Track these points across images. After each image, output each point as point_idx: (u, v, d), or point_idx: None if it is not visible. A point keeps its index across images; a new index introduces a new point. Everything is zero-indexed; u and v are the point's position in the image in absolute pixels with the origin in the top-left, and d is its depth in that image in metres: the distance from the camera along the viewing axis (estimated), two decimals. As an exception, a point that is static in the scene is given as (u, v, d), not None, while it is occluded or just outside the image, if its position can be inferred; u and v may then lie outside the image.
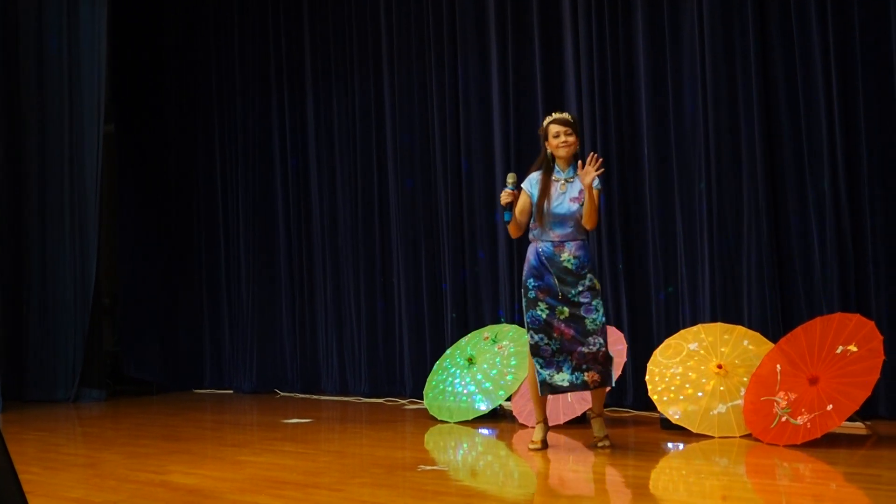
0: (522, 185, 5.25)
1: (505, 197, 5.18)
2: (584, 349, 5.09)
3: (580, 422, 6.09)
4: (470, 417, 6.50)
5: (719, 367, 5.65)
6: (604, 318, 5.15)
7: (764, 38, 6.22)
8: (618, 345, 6.20)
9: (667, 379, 5.78)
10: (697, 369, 5.72)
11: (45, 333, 8.92)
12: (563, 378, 5.13)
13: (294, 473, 4.76)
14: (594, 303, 5.12)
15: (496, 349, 6.80)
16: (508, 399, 6.58)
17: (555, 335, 5.13)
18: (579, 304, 5.12)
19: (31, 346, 8.94)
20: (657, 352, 6.02)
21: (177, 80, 10.04)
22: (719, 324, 5.98)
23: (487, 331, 7.08)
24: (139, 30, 10.05)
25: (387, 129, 8.30)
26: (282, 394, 8.90)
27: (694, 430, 5.51)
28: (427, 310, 7.91)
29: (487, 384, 6.61)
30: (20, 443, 5.93)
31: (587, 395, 5.67)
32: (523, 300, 5.21)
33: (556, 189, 5.19)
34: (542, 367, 5.14)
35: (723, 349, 5.75)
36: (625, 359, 6.14)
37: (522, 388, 6.45)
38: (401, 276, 8.11)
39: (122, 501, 4.19)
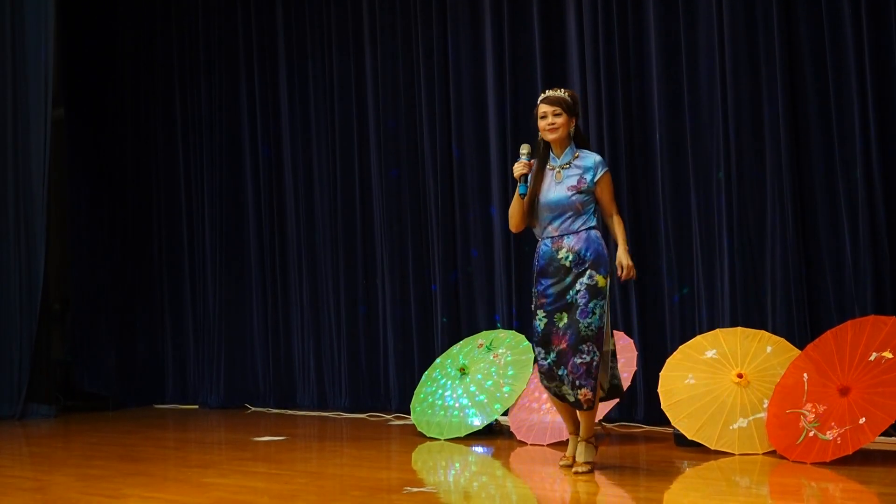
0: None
1: (520, 167, 5.08)
2: (577, 359, 4.94)
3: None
4: (462, 434, 6.50)
5: (740, 376, 5.65)
6: (601, 323, 4.94)
7: (789, 7, 6.22)
8: (627, 353, 6.21)
9: (682, 390, 5.78)
10: (715, 379, 5.72)
11: (-13, 342, 8.89)
12: (564, 392, 5.03)
13: (265, 497, 4.75)
14: (591, 304, 4.94)
15: (491, 358, 6.80)
16: (505, 413, 6.58)
17: (553, 346, 5.01)
18: (575, 306, 4.97)
19: (-29, 358, 8.92)
20: (671, 360, 6.03)
21: (134, 59, 10.02)
22: (740, 329, 5.99)
23: (482, 337, 7.08)
24: (91, 2, 10.02)
25: (369, 114, 8.29)
26: (253, 409, 8.89)
27: (712, 447, 5.52)
28: (415, 314, 7.91)
29: (482, 397, 6.61)
30: (-41, 464, 5.91)
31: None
32: None
33: (550, 178, 5.09)
34: (547, 382, 5.07)
35: (744, 357, 5.76)
36: (635, 368, 6.15)
37: (520, 401, 6.45)
38: (385, 277, 8.10)
39: (73, 528, 4.19)
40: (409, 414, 7.21)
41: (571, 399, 5.01)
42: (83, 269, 10.04)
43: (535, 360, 5.13)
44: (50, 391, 9.09)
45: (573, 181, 5.04)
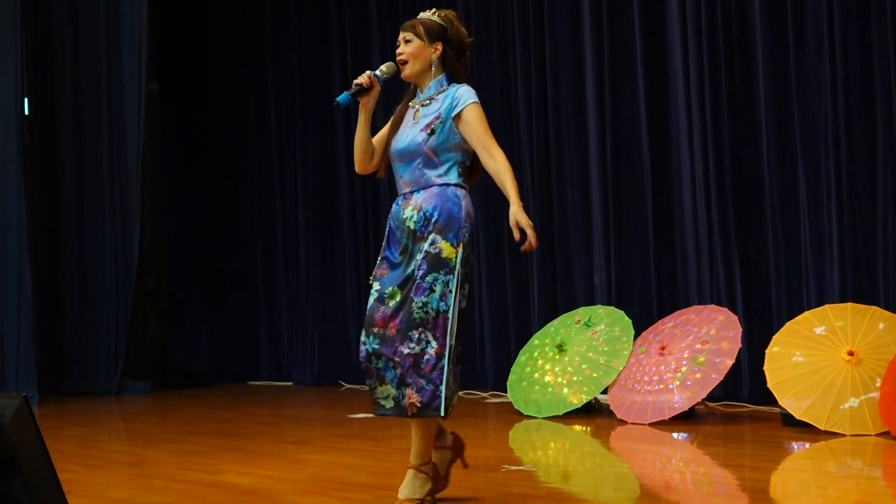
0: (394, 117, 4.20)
1: (362, 77, 4.03)
2: (404, 348, 3.82)
3: (687, 417, 6.06)
4: (560, 412, 6.51)
5: (850, 354, 5.57)
6: (447, 306, 3.83)
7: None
8: (731, 329, 6.16)
9: (789, 368, 5.72)
10: (825, 357, 5.65)
11: (84, 318, 9.12)
12: (386, 393, 3.92)
13: (361, 474, 4.83)
14: (430, 279, 3.83)
15: (590, 334, 6.79)
16: (604, 391, 6.58)
17: (375, 329, 3.92)
18: (412, 281, 3.87)
19: (68, 333, 9.16)
20: (777, 337, 5.96)
21: (226, 33, 10.15)
22: (850, 304, 5.90)
23: (579, 314, 7.07)
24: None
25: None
26: (347, 386, 8.99)
27: (821, 427, 5.45)
28: (510, 291, 7.92)
29: (580, 375, 6.61)
30: (59, 439, 6.09)
31: (675, 392, 5.63)
32: None
33: (408, 119, 4.09)
34: (366, 378, 4.00)
35: (854, 334, 5.67)
36: (739, 345, 6.10)
37: (620, 378, 6.44)
38: (480, 252, 8.12)
39: (172, 503, 4.29)
40: (505, 391, 7.24)
41: (389, 404, 3.90)
42: (177, 244, 10.26)
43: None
44: (145, 367, 9.29)
45: (428, 119, 4.01)
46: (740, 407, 6.55)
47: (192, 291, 10.19)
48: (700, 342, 6.22)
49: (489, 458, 5.31)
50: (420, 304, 3.81)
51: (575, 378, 6.61)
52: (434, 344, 3.80)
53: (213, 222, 10.16)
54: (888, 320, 5.71)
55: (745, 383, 6.59)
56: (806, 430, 5.51)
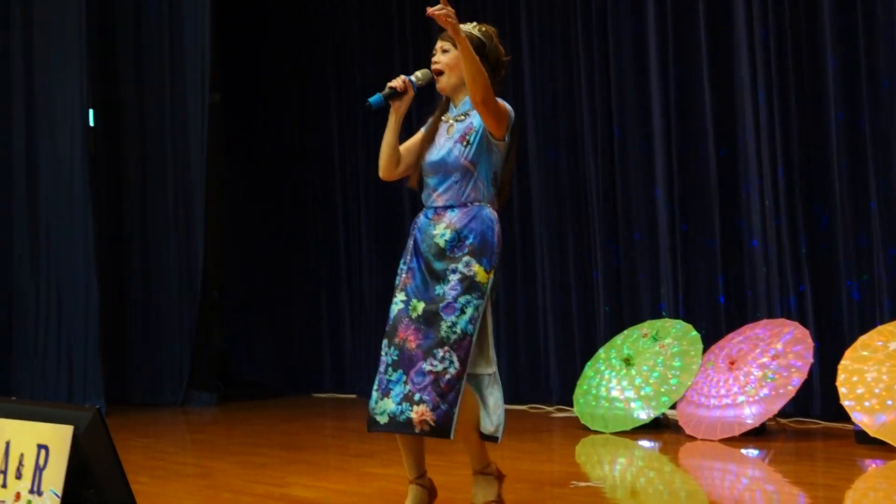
0: (423, 128, 4.26)
1: (396, 81, 4.14)
2: (425, 365, 3.83)
3: (758, 433, 6.02)
4: (628, 427, 6.48)
5: (927, 369, 5.50)
6: (473, 329, 3.85)
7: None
8: (802, 344, 6.11)
9: (862, 384, 5.66)
10: (900, 372, 5.58)
11: (150, 330, 9.23)
12: (384, 408, 3.87)
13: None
14: (462, 300, 3.86)
15: (657, 348, 6.76)
16: (673, 406, 6.54)
17: (396, 340, 3.94)
18: (442, 300, 3.90)
19: (134, 345, 9.28)
20: (850, 352, 5.90)
21: (289, 43, 10.25)
22: (926, 319, 5.83)
23: (647, 327, 7.04)
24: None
25: (525, 94, 8.26)
26: (410, 398, 9.00)
27: (896, 445, 5.39)
28: (576, 303, 7.90)
29: (647, 389, 6.58)
30: (126, 450, 6.11)
31: (745, 407, 5.58)
32: None
33: (442, 132, 4.12)
34: (375, 388, 3.95)
35: (931, 349, 5.60)
36: (811, 360, 6.04)
37: (688, 394, 6.40)
38: (545, 265, 8.11)
39: (240, 516, 4.36)
40: (571, 406, 7.22)
41: (383, 420, 3.85)
42: (240, 256, 10.37)
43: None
44: (210, 379, 9.38)
45: (462, 132, 4.04)
46: (812, 423, 6.48)
47: (256, 303, 10.28)
48: (770, 357, 6.17)
49: (556, 474, 5.31)
50: (450, 324, 3.84)
51: (643, 393, 6.58)
52: (457, 365, 3.81)
53: (277, 234, 10.26)
54: (966, 335, 5.64)
55: (816, 399, 6.52)
56: (880, 448, 5.44)
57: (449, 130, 4.07)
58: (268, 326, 10.22)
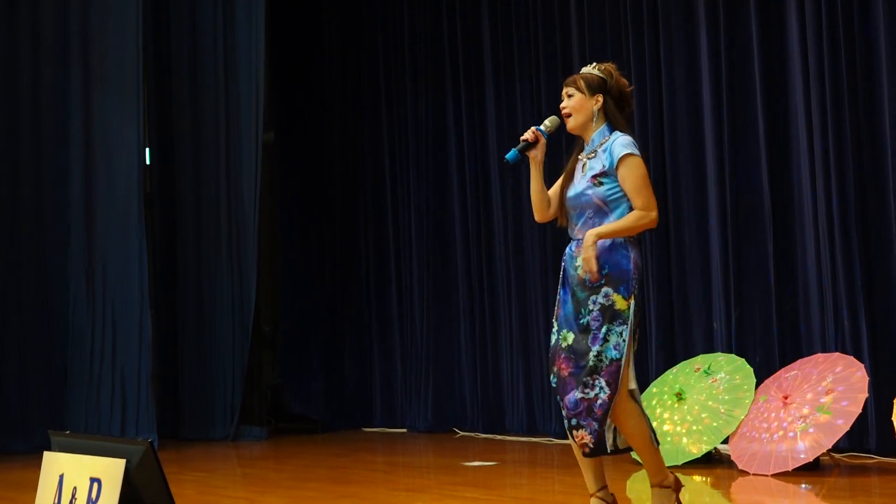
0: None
1: (527, 133, 4.44)
2: (578, 394, 4.16)
3: (812, 468, 5.95)
4: (680, 462, 6.43)
5: (985, 403, 5.42)
6: (616, 354, 4.15)
7: None
8: (857, 378, 6.04)
9: (919, 418, 5.59)
10: (957, 407, 5.50)
11: (202, 365, 9.32)
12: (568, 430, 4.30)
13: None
14: (605, 330, 4.16)
15: (710, 382, 6.71)
16: (725, 441, 6.48)
17: (555, 369, 4.29)
18: (588, 330, 4.21)
19: (186, 379, 9.37)
20: (906, 385, 5.83)
21: (340, 82, 10.35)
22: (984, 352, 5.74)
23: (699, 361, 6.99)
24: (299, 26, 10.47)
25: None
26: (461, 433, 9.00)
27: (954, 480, 5.31)
28: (627, 337, 7.86)
29: (700, 424, 6.53)
30: (178, 484, 6.20)
31: (799, 442, 5.53)
32: None
33: (578, 170, 4.40)
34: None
35: None
36: (866, 394, 5.97)
37: (741, 428, 6.34)
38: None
39: (290, 549, 4.37)
40: (622, 440, 7.17)
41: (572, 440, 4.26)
42: (293, 292, 10.43)
43: None
44: (262, 413, 9.45)
45: (595, 171, 4.33)
46: (867, 458, 6.39)
47: (307, 339, 10.33)
48: (825, 391, 6.10)
49: (607, 509, 5.26)
50: (595, 353, 4.15)
51: (694, 427, 6.53)
52: (606, 390, 4.12)
53: (328, 270, 10.32)
54: None
55: (871, 434, 6.44)
56: (938, 483, 5.37)
57: (583, 168, 4.38)
58: (319, 361, 10.26)
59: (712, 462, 6.51)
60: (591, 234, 4.19)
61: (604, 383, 4.13)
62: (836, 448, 6.25)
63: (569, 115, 4.39)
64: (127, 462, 3.16)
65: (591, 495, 4.38)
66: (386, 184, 9.89)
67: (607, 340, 4.15)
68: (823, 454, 6.05)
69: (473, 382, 9.07)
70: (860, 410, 5.95)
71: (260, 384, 9.55)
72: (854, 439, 6.42)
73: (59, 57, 8.89)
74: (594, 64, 4.47)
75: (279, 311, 10.59)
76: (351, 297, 10.15)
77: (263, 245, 9.55)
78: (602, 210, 4.28)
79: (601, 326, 4.16)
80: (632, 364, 4.22)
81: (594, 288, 4.20)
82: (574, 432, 4.17)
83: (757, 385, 6.57)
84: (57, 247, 8.79)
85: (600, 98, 4.34)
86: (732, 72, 7.28)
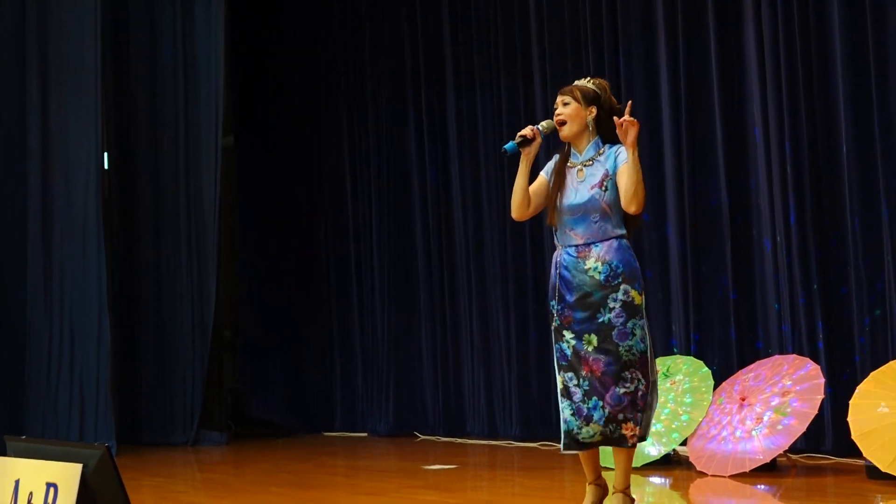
0: (542, 171, 4.73)
1: (526, 130, 4.61)
2: (619, 389, 4.38)
3: (768, 469, 6.01)
4: (639, 464, 6.44)
5: (938, 404, 5.49)
6: (645, 345, 4.42)
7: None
8: (813, 380, 6.10)
9: (874, 419, 5.64)
10: (911, 407, 5.56)
11: (162, 370, 9.28)
12: (593, 431, 4.44)
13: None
14: (630, 325, 4.39)
15: (668, 385, 6.75)
16: (683, 443, 6.53)
17: (583, 373, 4.44)
18: (611, 327, 4.40)
19: (146, 385, 9.33)
20: (861, 387, 5.88)
21: (301, 87, 10.34)
22: (938, 353, 5.82)
23: (658, 364, 7.03)
24: (259, 32, 10.45)
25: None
26: (422, 437, 9.03)
27: (908, 480, 5.37)
28: (587, 341, 7.90)
29: (658, 425, 6.56)
30: (136, 490, 6.17)
31: (756, 443, 5.58)
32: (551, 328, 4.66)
33: (571, 177, 4.57)
34: (571, 415, 4.48)
35: (942, 383, 5.59)
36: (822, 396, 6.03)
37: (699, 429, 6.39)
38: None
39: (249, 554, 4.36)
40: (582, 443, 7.20)
41: (597, 438, 4.44)
42: (253, 297, 10.42)
43: (562, 390, 4.53)
44: (222, 418, 9.43)
45: (597, 178, 4.51)
46: (823, 459, 6.46)
47: (268, 343, 10.32)
48: (782, 393, 6.16)
49: (567, 511, 5.30)
50: (627, 348, 4.37)
51: (654, 429, 6.55)
52: (643, 380, 4.38)
53: (289, 275, 10.31)
54: (977, 370, 5.62)
55: (828, 435, 6.50)
56: (892, 483, 5.42)
57: (579, 175, 4.56)
58: (280, 366, 10.25)
59: (671, 464, 6.55)
60: (631, 155, 4.36)
61: (640, 375, 4.38)
62: (793, 449, 6.31)
63: (563, 123, 4.57)
64: (84, 466, 3.13)
65: (590, 483, 4.65)
66: (346, 189, 9.89)
67: (634, 334, 4.38)
68: (780, 455, 6.10)
69: (434, 386, 9.08)
70: (816, 412, 6.00)
71: (220, 389, 9.53)
72: (811, 440, 6.48)
73: (16, 61, 8.84)
74: (588, 78, 4.68)
75: (239, 315, 10.57)
76: (311, 301, 10.14)
77: (223, 250, 9.51)
78: (607, 214, 4.48)
79: (626, 322, 4.38)
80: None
81: (613, 287, 4.40)
82: (623, 426, 4.37)
83: (715, 387, 6.62)
84: (14, 251, 8.75)
85: (594, 109, 4.56)
86: (691, 80, 7.34)
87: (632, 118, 4.39)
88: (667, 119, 7.45)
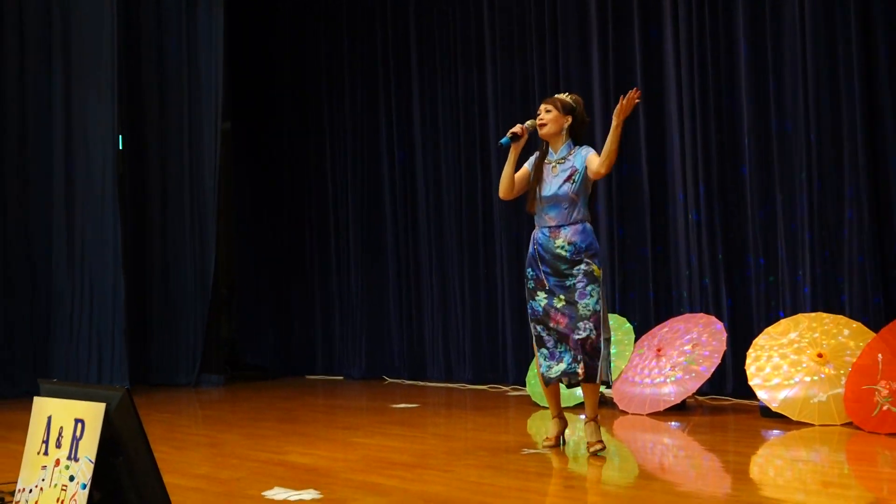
0: (526, 164, 5.00)
1: (516, 128, 4.91)
2: (576, 336, 4.69)
3: (679, 408, 6.11)
4: (571, 404, 6.55)
5: (819, 356, 5.61)
6: (599, 307, 4.70)
7: (867, 20, 6.10)
8: (717, 334, 6.20)
9: (767, 367, 5.76)
10: (798, 358, 5.69)
11: (168, 322, 9.28)
12: (559, 369, 4.79)
13: (403, 455, 4.91)
14: (589, 288, 4.70)
15: (597, 338, 6.81)
16: (609, 386, 6.60)
17: (552, 325, 4.78)
18: (574, 290, 4.72)
19: (154, 334, 9.33)
20: (757, 340, 6.00)
21: (289, 78, 10.29)
22: (820, 313, 5.93)
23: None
24: (253, 31, 10.38)
25: (490, 122, 8.37)
26: (389, 380, 9.08)
27: (794, 418, 5.49)
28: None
29: (589, 372, 6.64)
30: (148, 424, 6.09)
31: (669, 387, 5.66)
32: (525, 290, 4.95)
33: (547, 172, 4.87)
34: (545, 359, 4.84)
35: (823, 339, 5.71)
36: (724, 347, 6.14)
37: (623, 375, 6.49)
38: (504, 267, 8.19)
39: (245, 478, 4.40)
40: (524, 386, 7.30)
41: (559, 374, 4.77)
42: (247, 260, 10.41)
43: (537, 338, 4.87)
44: (219, 364, 9.44)
45: (567, 174, 4.81)
46: (725, 400, 6.58)
47: (259, 299, 10.32)
48: (691, 345, 6.26)
49: (510, 443, 5.37)
50: (584, 305, 4.69)
51: (584, 375, 6.64)
52: (594, 331, 4.67)
53: (278, 241, 10.30)
54: (853, 328, 5.75)
55: (729, 380, 6.62)
56: (781, 421, 5.55)
57: (553, 170, 4.86)
58: (269, 319, 10.26)
59: (599, 404, 6.62)
60: (619, 128, 4.60)
61: (591, 326, 4.66)
62: (700, 392, 6.43)
63: (544, 125, 4.86)
64: (107, 405, 3.16)
65: (554, 417, 5.03)
66: (327, 168, 9.87)
67: (592, 296, 4.68)
68: (689, 397, 6.22)
69: (400, 338, 9.13)
70: (720, 361, 6.11)
71: (218, 338, 9.54)
72: (715, 385, 6.60)
73: (44, 58, 8.75)
74: (567, 94, 5.00)
75: (235, 275, 10.56)
76: (297, 265, 10.14)
77: (221, 221, 9.49)
78: (574, 202, 4.79)
79: (586, 286, 4.69)
80: (607, 318, 4.77)
81: (577, 261, 4.73)
82: (578, 365, 4.69)
83: (636, 340, 6.72)
84: (42, 220, 8.68)
85: (570, 118, 4.88)
86: (618, 78, 7.38)
87: (630, 103, 4.63)
88: (598, 112, 7.49)
